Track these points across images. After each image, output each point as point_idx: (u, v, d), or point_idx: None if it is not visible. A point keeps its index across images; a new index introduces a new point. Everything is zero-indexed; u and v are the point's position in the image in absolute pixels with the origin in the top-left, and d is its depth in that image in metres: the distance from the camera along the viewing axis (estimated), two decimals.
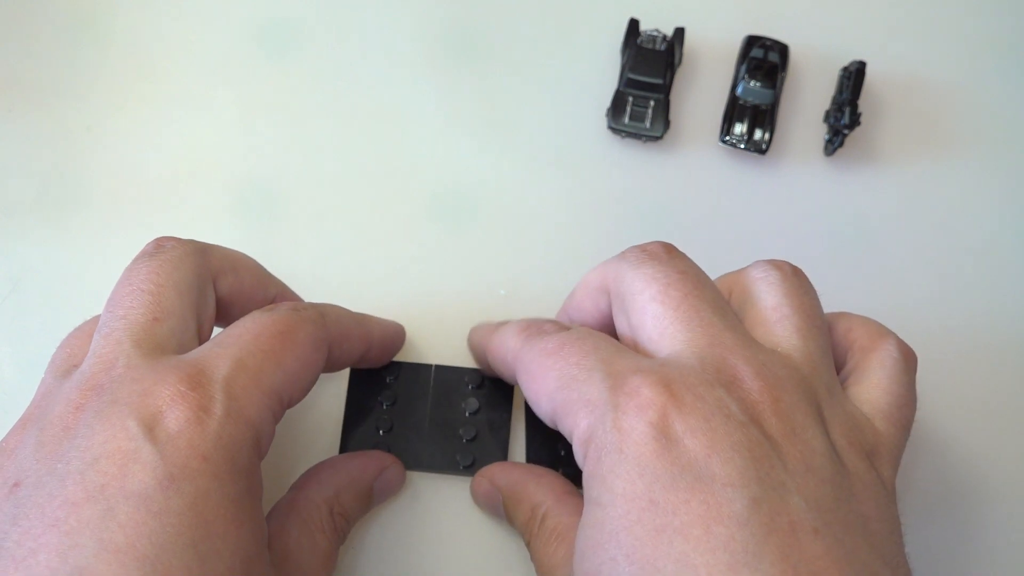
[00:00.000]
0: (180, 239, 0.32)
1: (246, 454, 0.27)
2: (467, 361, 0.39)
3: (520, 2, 0.45)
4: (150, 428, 0.26)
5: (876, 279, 0.42)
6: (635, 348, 0.30)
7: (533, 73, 0.44)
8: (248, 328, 0.29)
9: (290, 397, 0.30)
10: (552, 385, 0.29)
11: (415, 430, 0.37)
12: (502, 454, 0.37)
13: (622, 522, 0.25)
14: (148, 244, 0.32)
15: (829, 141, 0.42)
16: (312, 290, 0.40)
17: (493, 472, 0.36)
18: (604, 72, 0.44)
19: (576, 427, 0.28)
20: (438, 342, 0.40)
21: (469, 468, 0.37)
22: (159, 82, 0.44)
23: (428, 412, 0.38)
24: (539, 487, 0.34)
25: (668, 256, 0.31)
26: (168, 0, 0.45)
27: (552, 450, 0.37)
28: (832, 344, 0.32)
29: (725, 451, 0.26)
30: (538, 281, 0.41)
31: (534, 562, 0.32)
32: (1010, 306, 0.41)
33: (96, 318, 0.31)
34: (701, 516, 0.25)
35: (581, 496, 0.32)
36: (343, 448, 0.37)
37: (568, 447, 0.36)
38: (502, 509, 0.35)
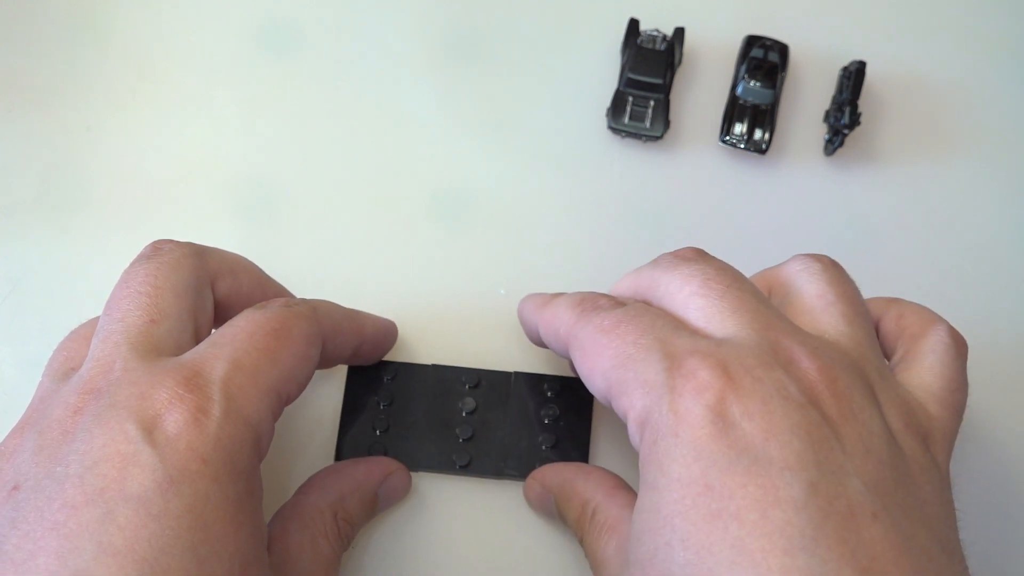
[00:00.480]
0: (177, 241, 0.32)
1: (246, 455, 0.27)
2: (466, 361, 0.39)
3: (520, 2, 0.45)
4: (149, 431, 0.26)
5: (876, 279, 0.42)
6: None
7: (533, 73, 0.44)
8: (242, 327, 0.29)
9: (288, 394, 0.30)
10: (607, 363, 0.29)
11: (412, 430, 0.37)
12: (498, 453, 0.37)
13: (677, 507, 0.25)
14: (145, 247, 0.32)
15: (829, 141, 0.42)
16: (312, 290, 0.40)
17: (544, 474, 0.36)
18: (604, 72, 0.44)
19: (631, 408, 0.28)
20: (438, 342, 0.40)
21: (465, 468, 0.37)
22: (159, 82, 0.44)
23: (425, 412, 0.38)
24: (588, 483, 0.34)
25: (702, 257, 0.31)
26: (168, 0, 0.45)
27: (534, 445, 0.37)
28: (883, 331, 0.32)
29: (783, 434, 0.25)
30: (538, 281, 0.41)
31: (588, 558, 0.32)
32: (1010, 306, 0.41)
33: (93, 321, 0.31)
34: (758, 500, 0.25)
35: (631, 490, 0.33)
36: (339, 448, 0.37)
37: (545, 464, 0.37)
38: (555, 510, 0.35)
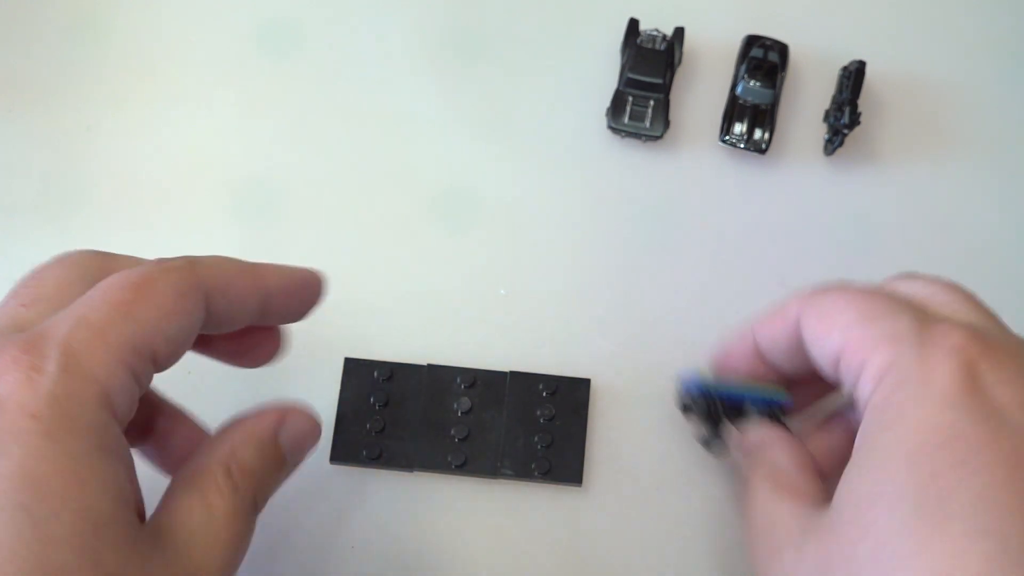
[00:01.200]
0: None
1: (91, 411, 0.25)
2: (466, 361, 0.39)
3: (520, 2, 0.45)
4: None
5: (876, 278, 0.41)
6: None
7: (533, 73, 0.44)
8: (100, 287, 0.27)
9: (153, 349, 0.27)
10: (850, 318, 0.29)
11: (407, 430, 0.37)
12: (493, 453, 0.37)
13: (923, 448, 0.25)
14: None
15: (829, 141, 0.42)
16: None
17: (759, 426, 0.35)
18: (604, 72, 0.44)
19: (871, 361, 0.28)
20: (438, 342, 0.40)
21: (461, 467, 0.37)
22: (159, 82, 0.44)
23: (420, 412, 0.38)
24: (784, 443, 0.33)
25: (936, 277, 0.32)
26: (168, 0, 0.45)
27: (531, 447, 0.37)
28: None
29: None
30: (538, 281, 0.41)
31: (751, 510, 0.31)
32: (1010, 305, 0.41)
33: None
34: (1006, 457, 0.25)
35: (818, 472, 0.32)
36: (334, 448, 0.37)
37: (540, 464, 0.36)
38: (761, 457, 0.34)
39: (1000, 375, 0.26)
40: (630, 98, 0.42)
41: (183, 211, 0.42)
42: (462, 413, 0.37)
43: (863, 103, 0.41)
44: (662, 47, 0.42)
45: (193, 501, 0.28)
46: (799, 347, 0.32)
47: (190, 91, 0.44)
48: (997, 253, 0.42)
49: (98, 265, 0.29)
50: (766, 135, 0.42)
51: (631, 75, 0.42)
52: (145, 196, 0.42)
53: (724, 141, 0.42)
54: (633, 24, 0.43)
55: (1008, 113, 0.44)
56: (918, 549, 0.24)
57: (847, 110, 0.41)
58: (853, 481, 0.27)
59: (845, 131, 0.41)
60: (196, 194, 0.42)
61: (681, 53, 0.43)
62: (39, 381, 0.25)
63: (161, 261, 0.29)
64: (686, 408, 0.36)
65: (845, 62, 0.43)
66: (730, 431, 0.35)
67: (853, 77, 0.41)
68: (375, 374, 0.38)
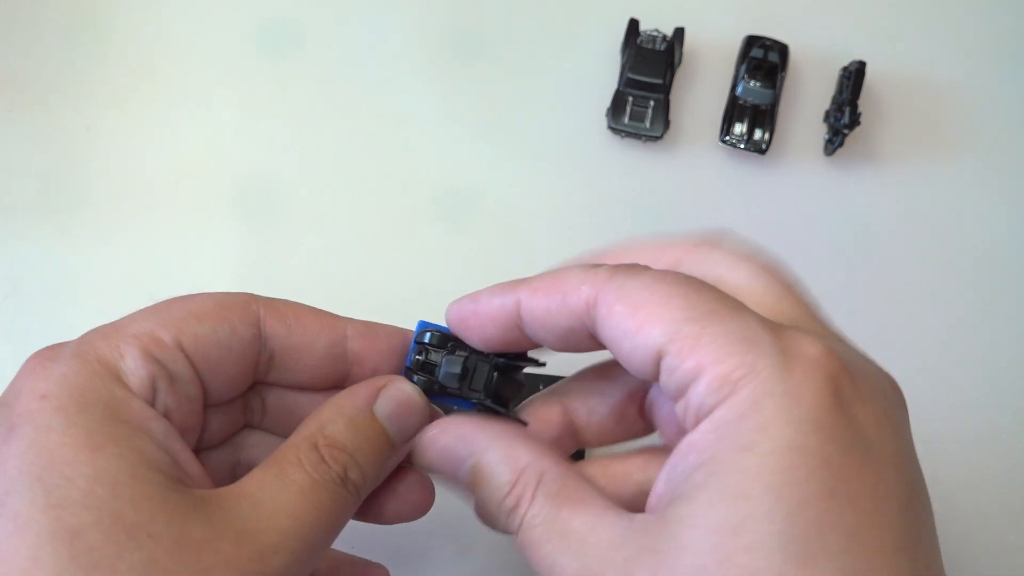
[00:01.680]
0: None
1: (101, 385, 0.25)
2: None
3: (520, 2, 0.45)
4: (5, 395, 0.26)
5: (876, 278, 0.42)
6: None
7: (533, 73, 0.44)
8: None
9: (177, 339, 0.27)
10: (675, 315, 0.25)
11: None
12: None
13: (788, 475, 0.23)
14: None
15: (829, 141, 0.42)
16: (312, 290, 0.40)
17: (461, 422, 0.29)
18: (604, 72, 0.44)
19: (717, 362, 0.24)
20: None
21: None
22: (159, 82, 0.44)
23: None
24: (527, 445, 0.27)
25: (736, 247, 0.29)
26: (168, 0, 0.45)
27: None
28: None
29: (890, 426, 0.24)
30: None
31: (523, 542, 0.26)
32: (1010, 305, 0.41)
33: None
34: (873, 488, 0.23)
35: (564, 454, 0.28)
36: None
37: None
38: (465, 470, 0.28)
39: (858, 390, 0.24)
40: (630, 98, 0.42)
41: (183, 211, 0.42)
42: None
43: (863, 103, 0.41)
44: (662, 47, 0.42)
45: (268, 474, 0.26)
46: (583, 331, 0.27)
47: (190, 91, 0.44)
48: (997, 253, 0.42)
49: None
50: (766, 135, 0.42)
51: (631, 75, 0.42)
52: (145, 196, 0.42)
53: (724, 141, 0.42)
54: (633, 24, 0.43)
55: (1008, 113, 0.44)
56: None
57: (847, 110, 0.41)
58: (702, 505, 0.23)
59: (845, 131, 0.41)
60: (196, 194, 0.42)
61: (681, 53, 0.43)
62: (51, 367, 0.25)
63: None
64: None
65: (845, 62, 0.43)
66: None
67: (853, 77, 0.41)
68: None
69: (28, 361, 0.26)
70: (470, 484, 0.28)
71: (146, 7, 0.45)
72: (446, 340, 0.30)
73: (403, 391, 0.29)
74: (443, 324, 0.30)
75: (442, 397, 0.30)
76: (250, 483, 0.26)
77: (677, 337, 0.25)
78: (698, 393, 0.24)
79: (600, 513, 0.25)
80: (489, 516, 0.28)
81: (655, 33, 0.43)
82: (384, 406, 0.28)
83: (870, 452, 0.23)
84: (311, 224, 0.42)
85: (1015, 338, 0.41)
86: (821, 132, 0.43)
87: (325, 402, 0.28)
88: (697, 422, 0.24)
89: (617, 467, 0.29)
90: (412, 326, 0.40)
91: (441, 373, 0.29)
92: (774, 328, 0.25)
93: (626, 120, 0.42)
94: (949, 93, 0.44)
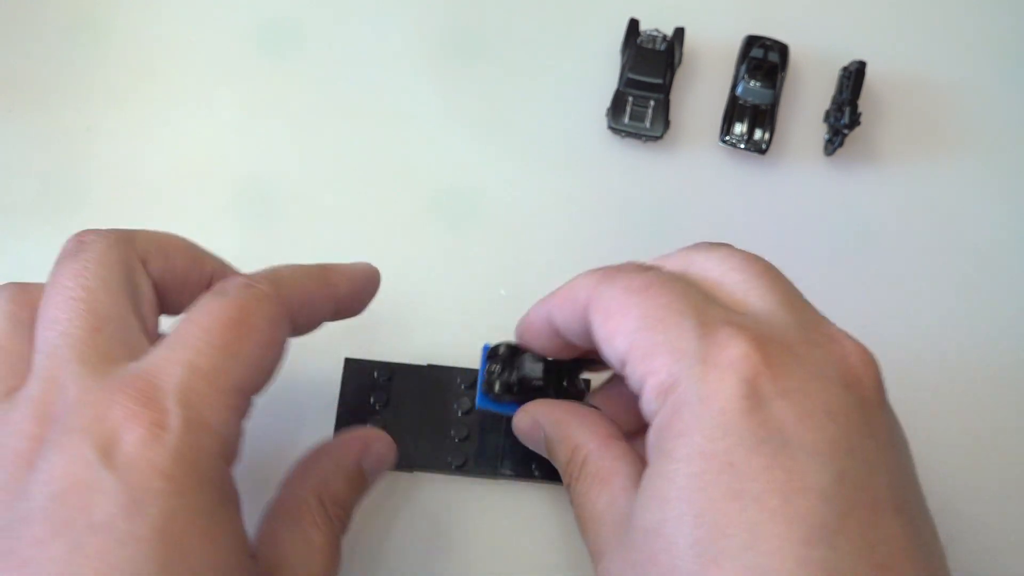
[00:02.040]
0: (100, 231, 0.29)
1: (213, 463, 0.26)
2: (466, 361, 0.38)
3: (520, 2, 0.45)
4: (107, 454, 0.25)
5: (876, 279, 0.42)
6: None
7: (533, 73, 0.44)
8: (199, 322, 0.27)
9: (254, 387, 0.28)
10: (632, 324, 0.27)
11: (407, 430, 0.37)
12: (493, 454, 0.37)
13: (696, 480, 0.24)
14: (69, 241, 0.29)
15: (829, 141, 0.42)
16: None
17: (537, 408, 0.33)
18: (604, 72, 0.44)
19: (653, 373, 0.26)
20: (438, 342, 0.40)
21: (461, 468, 0.37)
22: (159, 82, 0.44)
23: (420, 412, 0.38)
24: (582, 428, 0.31)
25: (735, 247, 0.30)
26: (168, 0, 0.45)
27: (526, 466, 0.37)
28: None
29: (818, 416, 0.25)
30: (538, 281, 0.41)
31: (574, 507, 0.31)
32: (1010, 305, 0.41)
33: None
34: (782, 485, 0.24)
35: (624, 441, 0.31)
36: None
37: (540, 464, 0.36)
38: (543, 448, 0.33)
39: (781, 385, 0.25)
40: (630, 98, 0.42)
41: (183, 211, 0.42)
42: (462, 413, 0.37)
43: (863, 103, 0.41)
44: (662, 47, 0.42)
45: (294, 535, 0.30)
46: (591, 332, 0.30)
47: (190, 91, 0.44)
48: (997, 253, 0.42)
49: (126, 253, 0.29)
50: (766, 135, 0.42)
51: (631, 75, 0.42)
52: (145, 196, 0.42)
53: (724, 141, 0.42)
54: (633, 24, 0.43)
55: (1008, 113, 0.44)
56: None
57: (847, 110, 0.41)
58: (641, 506, 0.26)
59: (845, 131, 0.41)
60: (196, 194, 0.42)
61: (681, 53, 0.43)
62: (165, 439, 0.25)
63: (248, 285, 0.28)
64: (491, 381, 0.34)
65: (845, 62, 0.43)
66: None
67: (853, 77, 0.41)
68: (375, 374, 0.38)
69: (123, 411, 0.25)
70: (549, 455, 0.33)
71: (146, 7, 0.45)
72: (515, 350, 0.35)
73: (383, 448, 0.34)
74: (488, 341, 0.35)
75: (499, 404, 0.35)
76: (281, 546, 0.30)
77: (633, 346, 0.27)
78: (645, 400, 0.27)
79: (618, 494, 0.28)
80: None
81: (655, 33, 0.43)
82: (368, 461, 0.33)
83: (785, 448, 0.24)
84: (311, 224, 0.42)
85: (1015, 338, 0.41)
86: (821, 132, 0.43)
87: (323, 453, 0.33)
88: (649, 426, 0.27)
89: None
90: (413, 325, 0.40)
91: (525, 368, 0.34)
92: (704, 334, 0.26)
93: (626, 120, 0.42)
94: (949, 93, 0.44)
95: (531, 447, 0.35)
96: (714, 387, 0.25)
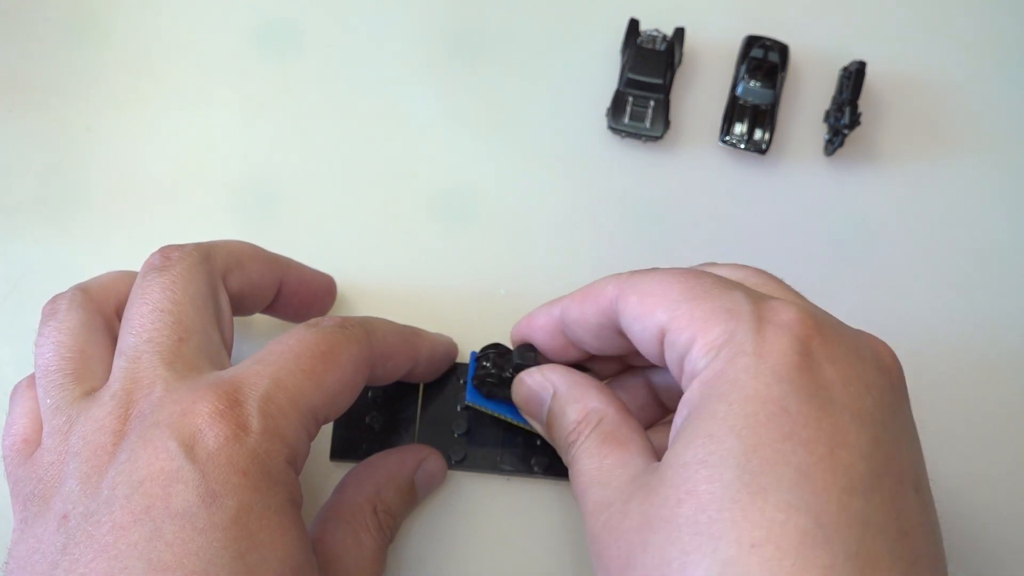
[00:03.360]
0: (184, 248, 0.32)
1: (284, 468, 0.28)
2: (464, 360, 0.39)
3: (520, 2, 0.45)
4: (190, 447, 0.26)
5: (876, 279, 0.42)
6: None
7: (533, 73, 0.44)
8: (290, 346, 0.29)
9: (326, 415, 0.30)
10: (675, 295, 0.29)
11: (406, 427, 0.37)
12: (492, 449, 0.37)
13: (750, 420, 0.25)
14: (153, 256, 0.32)
15: (829, 141, 0.42)
16: None
17: (551, 369, 0.34)
18: (604, 72, 0.44)
19: (706, 332, 0.28)
20: None
21: (461, 463, 0.37)
22: (159, 82, 0.44)
23: (419, 408, 0.38)
24: (601, 394, 0.32)
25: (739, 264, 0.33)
26: (168, 0, 0.45)
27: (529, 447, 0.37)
28: None
29: (858, 386, 0.26)
30: (538, 281, 0.41)
31: (575, 464, 0.31)
32: (1010, 306, 0.41)
33: (58, 327, 0.31)
34: (829, 436, 0.25)
35: (636, 419, 0.32)
36: (334, 446, 0.37)
37: (540, 460, 0.37)
38: (545, 410, 0.33)
39: (829, 351, 0.27)
40: (630, 98, 0.42)
41: (183, 211, 0.42)
42: (461, 408, 0.38)
43: (863, 103, 0.41)
44: (662, 47, 0.42)
45: (347, 538, 0.32)
46: (611, 326, 0.31)
47: (190, 91, 0.44)
48: (997, 253, 0.42)
49: (210, 270, 0.32)
50: (766, 135, 0.42)
51: (631, 75, 0.42)
52: (145, 196, 0.42)
53: (724, 141, 0.42)
54: (633, 24, 0.43)
55: (1008, 113, 0.44)
56: (736, 516, 0.24)
57: (847, 110, 0.41)
58: (681, 445, 0.27)
59: (845, 131, 0.41)
60: (196, 194, 0.42)
61: (681, 53, 0.43)
62: (245, 440, 0.27)
63: (343, 327, 0.31)
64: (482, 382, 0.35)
65: (845, 62, 0.43)
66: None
67: (853, 77, 0.41)
68: None
69: (211, 408, 0.27)
70: (546, 423, 0.33)
71: (146, 7, 0.45)
72: (503, 350, 0.36)
73: (435, 466, 0.36)
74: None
75: (488, 400, 0.36)
76: (337, 547, 0.32)
77: (676, 315, 0.28)
78: (691, 360, 0.28)
79: (633, 455, 0.29)
80: (558, 450, 0.33)
81: (655, 33, 0.43)
82: (420, 476, 0.36)
83: (831, 405, 0.26)
84: (311, 224, 0.42)
85: (1016, 337, 0.41)
86: (821, 132, 0.43)
87: (380, 463, 0.35)
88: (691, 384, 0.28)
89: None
90: (413, 325, 0.40)
91: (516, 360, 0.35)
92: (758, 300, 0.28)
93: (626, 120, 0.42)
94: (949, 93, 0.44)
95: (525, 412, 0.35)
96: (771, 342, 0.27)
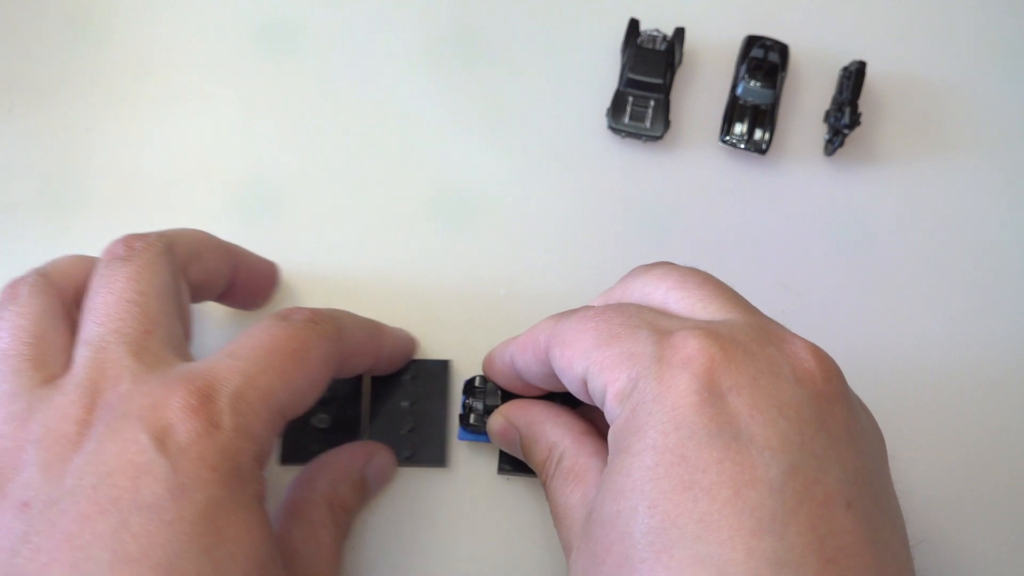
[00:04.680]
0: (147, 238, 0.31)
1: (252, 465, 0.28)
2: (467, 361, 0.39)
3: (520, 2, 0.45)
4: (161, 440, 0.26)
5: (876, 279, 0.42)
6: None
7: (533, 73, 0.44)
8: (262, 341, 0.29)
9: (293, 413, 0.30)
10: (589, 344, 0.28)
11: (353, 426, 0.37)
12: (439, 443, 0.37)
13: (650, 473, 0.25)
14: (116, 245, 0.31)
15: (829, 141, 0.42)
16: (312, 290, 0.40)
17: (510, 410, 0.35)
18: (604, 72, 0.44)
19: (613, 381, 0.27)
20: (437, 341, 0.40)
21: (409, 459, 0.37)
22: (159, 82, 0.44)
23: (367, 407, 0.38)
24: (556, 427, 0.33)
25: (669, 263, 0.32)
26: (168, 0, 0.45)
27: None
28: None
29: (770, 411, 0.25)
30: (538, 281, 0.41)
31: (550, 503, 0.32)
32: (1010, 306, 0.41)
33: (22, 313, 0.30)
34: (732, 477, 0.24)
35: (600, 437, 0.32)
36: (283, 450, 0.37)
37: None
38: (519, 447, 0.34)
39: (735, 379, 0.26)
40: (630, 98, 0.42)
41: (183, 211, 0.42)
42: (406, 405, 0.38)
43: (863, 103, 0.41)
44: (662, 47, 0.42)
45: (305, 534, 0.32)
46: (553, 374, 0.31)
47: (190, 91, 0.44)
48: (997, 253, 0.42)
49: (172, 261, 0.31)
50: (766, 135, 0.42)
51: (631, 75, 0.42)
52: (145, 196, 0.42)
53: (724, 141, 0.42)
54: (633, 24, 0.43)
55: (1008, 113, 0.44)
56: None
57: (847, 110, 0.41)
58: (600, 498, 0.27)
59: (845, 131, 0.41)
60: (196, 194, 0.42)
61: (681, 53, 0.43)
62: (217, 436, 0.27)
63: (314, 322, 0.31)
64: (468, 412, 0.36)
65: (845, 62, 0.43)
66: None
67: (853, 77, 0.41)
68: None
69: (182, 403, 0.27)
70: (524, 456, 0.34)
71: (146, 7, 0.45)
72: (485, 381, 0.36)
73: (386, 461, 0.36)
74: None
75: (477, 435, 0.36)
76: (295, 543, 0.32)
77: (590, 364, 0.28)
78: (608, 409, 0.28)
79: (590, 489, 0.29)
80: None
81: (655, 33, 0.43)
82: (370, 472, 0.36)
83: (736, 441, 0.25)
84: (311, 224, 0.42)
85: (1015, 338, 0.41)
86: (821, 132, 0.43)
87: (332, 460, 0.35)
88: None
89: None
90: (412, 325, 0.40)
91: (490, 399, 0.36)
92: (660, 338, 0.27)
93: (626, 120, 0.42)
94: (949, 93, 0.44)
95: (506, 450, 0.36)
96: (668, 384, 0.26)
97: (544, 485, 0.32)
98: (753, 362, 0.26)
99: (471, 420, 0.36)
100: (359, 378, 0.38)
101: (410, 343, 0.38)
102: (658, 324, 0.28)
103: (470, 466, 0.38)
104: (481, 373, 0.36)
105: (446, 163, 0.43)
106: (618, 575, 0.25)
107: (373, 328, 0.35)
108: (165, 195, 0.42)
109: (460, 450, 0.38)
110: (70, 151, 0.43)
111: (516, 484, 0.38)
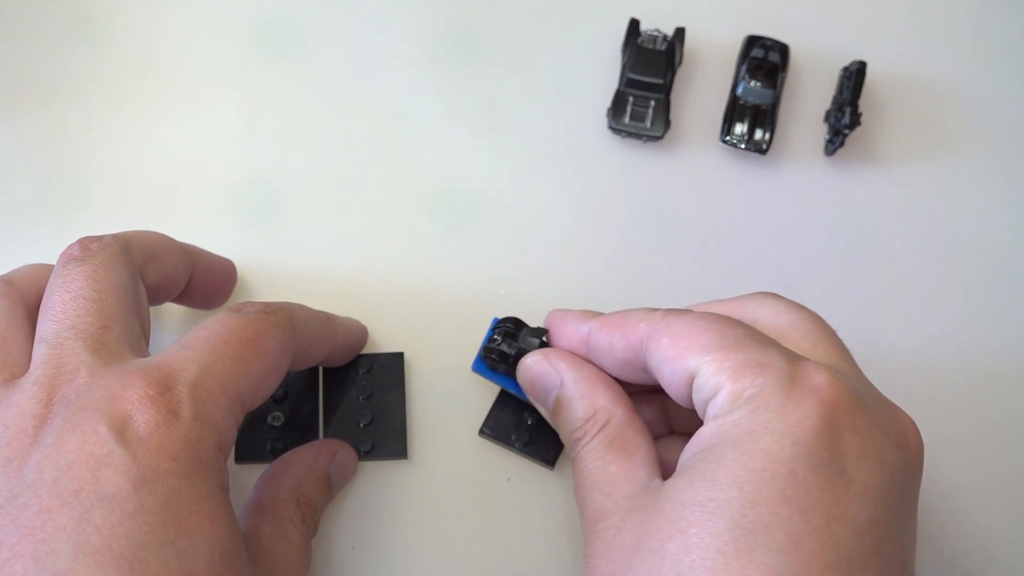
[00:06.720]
0: (103, 239, 0.32)
1: (213, 455, 0.28)
2: (467, 361, 0.38)
3: (520, 2, 0.45)
4: (120, 432, 0.26)
5: (876, 279, 0.42)
6: None
7: (533, 73, 0.44)
8: (217, 332, 0.29)
9: (252, 402, 0.30)
10: (707, 342, 0.29)
11: (309, 422, 0.37)
12: (399, 436, 0.37)
13: (756, 475, 0.26)
14: (72, 247, 0.32)
15: (829, 141, 0.42)
16: (312, 290, 0.40)
17: (560, 358, 0.34)
18: (604, 72, 0.44)
19: (734, 382, 0.28)
20: (437, 341, 0.40)
21: (369, 453, 0.37)
22: (159, 82, 0.44)
23: (322, 402, 0.38)
24: (610, 392, 0.32)
25: (785, 299, 0.32)
26: (168, 0, 0.45)
27: (518, 419, 0.37)
28: None
29: (873, 461, 0.27)
30: (538, 281, 0.41)
31: (579, 463, 0.31)
32: (1010, 306, 0.41)
33: None
34: (828, 508, 0.25)
35: (644, 423, 0.32)
36: (239, 449, 0.37)
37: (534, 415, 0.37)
38: (551, 399, 0.33)
39: (852, 421, 0.27)
40: (631, 98, 0.42)
41: (183, 211, 0.42)
42: (363, 399, 0.38)
43: (863, 103, 0.41)
44: (663, 47, 0.42)
45: (273, 531, 0.32)
46: (636, 363, 0.32)
47: (190, 91, 0.44)
48: (997, 253, 0.42)
49: (129, 261, 0.32)
50: (766, 135, 0.42)
51: (632, 75, 0.42)
52: (145, 196, 0.42)
53: (725, 141, 0.42)
54: (634, 24, 0.43)
55: (1008, 113, 0.44)
56: (718, 567, 0.25)
57: (847, 110, 0.41)
58: (685, 481, 0.27)
59: (846, 131, 0.41)
60: (196, 194, 0.42)
61: (682, 53, 0.43)
62: (176, 426, 0.27)
63: (267, 312, 0.31)
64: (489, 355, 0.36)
65: (845, 62, 0.43)
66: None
67: (853, 77, 0.42)
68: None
69: (140, 394, 0.27)
70: (552, 412, 0.33)
71: (146, 7, 0.45)
72: (520, 325, 0.36)
73: (347, 458, 0.37)
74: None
75: (492, 373, 0.36)
76: (265, 540, 0.32)
77: (706, 361, 0.29)
78: (715, 405, 0.28)
79: (636, 467, 0.30)
80: (563, 440, 0.33)
81: (656, 33, 0.43)
82: (334, 468, 0.36)
83: (840, 477, 0.26)
84: (311, 224, 0.42)
85: (1016, 337, 0.41)
86: (821, 132, 0.43)
87: (298, 459, 0.35)
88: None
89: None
90: (413, 326, 0.40)
91: (522, 342, 0.35)
92: (792, 359, 0.28)
93: (627, 120, 0.42)
94: (949, 93, 0.44)
95: (531, 396, 0.35)
96: (797, 402, 0.27)
97: (576, 442, 0.32)
98: (869, 413, 0.28)
99: (493, 357, 0.35)
100: (314, 374, 0.38)
101: (362, 332, 0.38)
102: (786, 349, 0.29)
103: (431, 457, 0.38)
104: (515, 317, 0.36)
105: (446, 163, 0.43)
106: (684, 557, 0.25)
107: (325, 318, 0.35)
108: (165, 195, 0.42)
109: (420, 441, 0.38)
110: (70, 151, 0.43)
111: (477, 473, 0.38)
